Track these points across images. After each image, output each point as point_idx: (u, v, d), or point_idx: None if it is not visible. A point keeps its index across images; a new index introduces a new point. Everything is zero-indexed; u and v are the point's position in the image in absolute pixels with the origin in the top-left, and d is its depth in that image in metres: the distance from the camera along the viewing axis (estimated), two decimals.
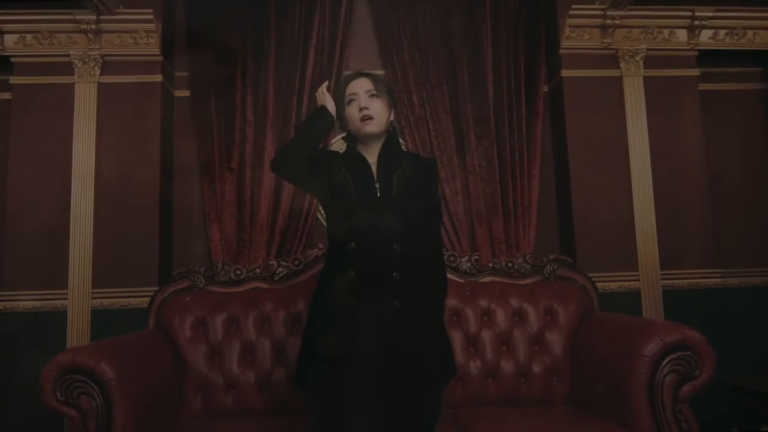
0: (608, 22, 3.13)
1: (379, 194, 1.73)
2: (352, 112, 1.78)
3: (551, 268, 2.72)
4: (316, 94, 1.87)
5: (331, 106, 1.82)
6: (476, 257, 2.75)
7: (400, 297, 1.66)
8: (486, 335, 2.54)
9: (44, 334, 2.83)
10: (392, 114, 1.85)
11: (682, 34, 3.22)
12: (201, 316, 2.51)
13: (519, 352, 2.51)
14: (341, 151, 1.89)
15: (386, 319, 1.64)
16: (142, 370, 2.14)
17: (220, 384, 2.42)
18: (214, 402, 2.40)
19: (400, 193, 1.73)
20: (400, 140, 3.17)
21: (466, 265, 2.73)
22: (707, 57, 3.27)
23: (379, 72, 3.17)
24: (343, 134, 1.91)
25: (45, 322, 2.84)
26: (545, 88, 3.31)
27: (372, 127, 1.75)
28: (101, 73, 3.01)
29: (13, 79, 3.01)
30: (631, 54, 3.18)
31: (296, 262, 2.66)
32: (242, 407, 2.40)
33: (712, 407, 2.58)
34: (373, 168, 1.78)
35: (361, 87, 1.78)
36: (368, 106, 1.75)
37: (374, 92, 1.77)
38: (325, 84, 1.88)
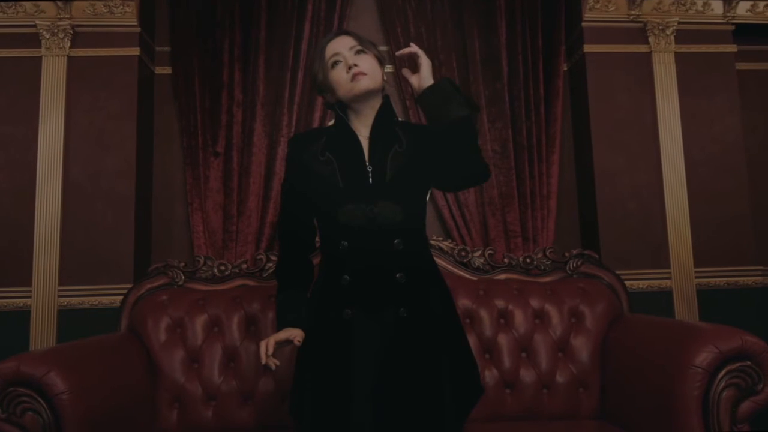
0: None
1: (371, 180, 1.44)
2: (339, 74, 1.47)
3: (575, 265, 2.43)
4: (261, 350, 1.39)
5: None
6: (490, 252, 2.47)
7: (406, 303, 1.39)
8: (503, 340, 2.25)
9: (4, 336, 2.56)
10: (384, 74, 1.55)
11: (717, 6, 2.95)
12: (178, 317, 2.23)
13: (540, 360, 2.23)
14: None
15: (391, 331, 1.37)
16: (107, 380, 1.86)
17: (199, 395, 2.14)
18: (191, 415, 2.12)
19: (397, 175, 1.45)
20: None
21: (478, 261, 2.44)
22: (745, 32, 3.00)
23: (383, 48, 2.88)
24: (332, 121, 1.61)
25: (5, 323, 2.58)
26: (565, 66, 3.05)
27: (366, 82, 1.45)
28: (71, 46, 2.74)
29: None
30: (661, 27, 2.91)
31: None
32: (224, 422, 2.13)
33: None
34: (365, 145, 1.49)
35: (343, 45, 1.49)
36: (357, 63, 1.45)
37: (360, 48, 1.49)
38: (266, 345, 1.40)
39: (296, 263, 1.58)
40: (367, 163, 1.46)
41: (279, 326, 1.48)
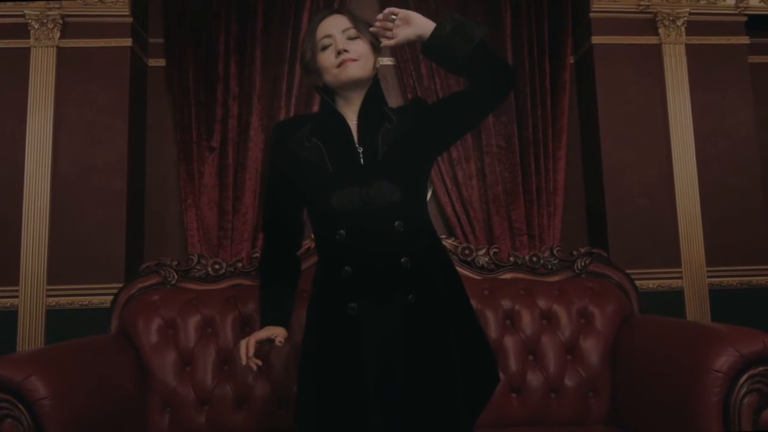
0: None
1: (363, 161, 1.35)
2: (327, 58, 1.37)
3: (583, 263, 2.34)
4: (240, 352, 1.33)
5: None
6: (495, 250, 2.37)
7: (413, 288, 1.30)
8: (509, 342, 2.16)
9: None
10: (378, 61, 1.44)
11: None
12: (170, 318, 2.14)
13: (548, 363, 2.14)
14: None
15: (399, 321, 1.29)
16: (93, 384, 1.77)
17: (192, 399, 2.05)
18: (183, 421, 2.03)
19: (390, 152, 1.36)
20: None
21: (483, 260, 2.35)
22: (757, 23, 2.91)
23: None
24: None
25: None
26: (572, 58, 2.96)
27: (355, 70, 1.35)
28: (61, 36, 2.66)
29: None
30: (671, 18, 2.82)
31: None
32: (218, 427, 2.04)
33: None
34: (354, 128, 1.39)
35: (336, 26, 1.38)
36: (348, 48, 1.35)
37: (354, 31, 1.37)
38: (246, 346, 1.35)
39: (281, 258, 1.50)
40: (357, 145, 1.37)
41: (261, 324, 1.41)
